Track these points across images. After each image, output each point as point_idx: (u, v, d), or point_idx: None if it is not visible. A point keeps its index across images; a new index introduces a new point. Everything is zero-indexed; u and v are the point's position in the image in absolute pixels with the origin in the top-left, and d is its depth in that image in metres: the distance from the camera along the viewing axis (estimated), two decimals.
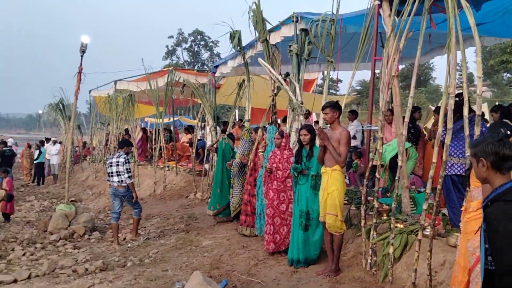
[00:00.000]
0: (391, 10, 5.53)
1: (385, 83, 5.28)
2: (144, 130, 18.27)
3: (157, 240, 8.48)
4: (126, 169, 8.27)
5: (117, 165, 8.31)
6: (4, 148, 15.78)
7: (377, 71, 6.60)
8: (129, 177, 8.30)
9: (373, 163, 5.56)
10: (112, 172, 8.37)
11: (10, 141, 18.06)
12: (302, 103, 7.41)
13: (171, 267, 6.48)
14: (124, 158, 8.34)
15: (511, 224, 2.29)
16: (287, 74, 8.09)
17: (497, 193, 2.44)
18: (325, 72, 12.18)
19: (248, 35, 8.86)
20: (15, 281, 6.36)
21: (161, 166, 13.69)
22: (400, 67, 5.85)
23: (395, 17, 5.41)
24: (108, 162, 8.66)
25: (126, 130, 17.46)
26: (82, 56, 10.10)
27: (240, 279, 5.72)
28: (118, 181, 8.31)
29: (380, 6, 5.81)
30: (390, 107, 6.96)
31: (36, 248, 8.38)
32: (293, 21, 7.59)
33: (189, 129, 17.36)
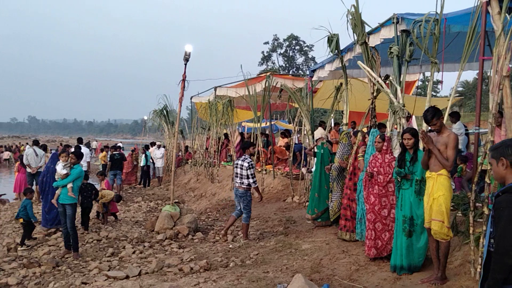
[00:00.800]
0: (500, 7, 5.24)
1: (496, 83, 5.01)
2: (241, 134, 18.71)
3: (256, 242, 8.65)
4: (251, 174, 8.67)
5: (241, 168, 8.74)
6: (114, 152, 16.87)
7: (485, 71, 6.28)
8: (254, 182, 8.69)
9: (482, 168, 5.29)
10: (236, 173, 8.89)
11: (120, 145, 19.46)
12: (404, 106, 7.22)
13: (272, 269, 6.59)
14: (248, 162, 8.72)
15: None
16: (387, 77, 7.92)
17: (508, 186, 2.82)
18: (426, 74, 11.80)
19: (345, 39, 8.82)
20: (127, 277, 6.79)
21: (259, 170, 13.94)
22: None
23: (506, 14, 5.12)
24: (235, 163, 9.11)
25: (226, 135, 17.99)
26: (185, 64, 10.57)
27: (342, 283, 5.69)
28: (239, 183, 8.78)
29: (488, 3, 5.52)
30: (500, 109, 6.58)
31: (144, 246, 8.88)
32: (393, 22, 7.42)
33: (286, 133, 17.53)
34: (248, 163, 8.68)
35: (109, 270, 7.27)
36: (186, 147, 24.14)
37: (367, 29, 8.21)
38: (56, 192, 8.36)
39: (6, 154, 36.49)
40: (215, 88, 17.49)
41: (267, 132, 17.76)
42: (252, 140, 14.81)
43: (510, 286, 2.69)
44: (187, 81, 10.79)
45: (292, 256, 7.20)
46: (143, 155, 19.96)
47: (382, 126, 9.03)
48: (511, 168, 2.85)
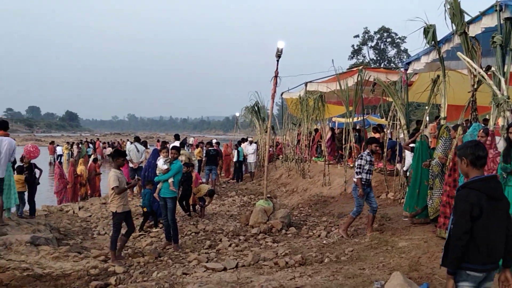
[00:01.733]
0: None
1: None
2: (332, 130, 18.57)
3: (351, 238, 8.59)
4: (357, 165, 8.59)
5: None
6: (209, 148, 17.45)
7: None
8: (356, 172, 8.58)
9: None
10: None
11: (214, 141, 20.05)
12: (508, 98, 6.83)
13: (368, 266, 6.52)
14: (362, 155, 8.68)
15: (465, 204, 3.33)
16: (488, 67, 7.52)
17: (467, 182, 3.46)
18: None
19: (442, 29, 8.48)
20: (224, 269, 7.03)
21: (351, 165, 13.78)
22: None
23: None
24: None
25: (316, 130, 17.95)
26: (278, 60, 10.70)
27: (442, 283, 5.51)
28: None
29: None
30: None
31: (240, 240, 9.13)
32: (496, 10, 7.03)
33: (378, 128, 17.14)
34: (362, 155, 8.64)
35: (207, 262, 7.56)
36: (277, 142, 24.39)
37: (467, 18, 7.84)
38: (158, 186, 8.82)
39: (109, 150, 38.90)
40: (306, 84, 17.49)
41: (358, 127, 17.48)
42: (343, 136, 14.64)
43: (466, 264, 3.36)
44: (279, 77, 10.91)
45: (388, 253, 7.08)
46: (236, 150, 20.43)
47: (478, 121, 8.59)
48: (471, 166, 3.47)
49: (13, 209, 10.01)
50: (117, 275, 7.40)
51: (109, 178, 7.86)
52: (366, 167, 8.57)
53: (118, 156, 7.96)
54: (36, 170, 11.04)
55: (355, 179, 8.58)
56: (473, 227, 3.32)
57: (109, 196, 7.98)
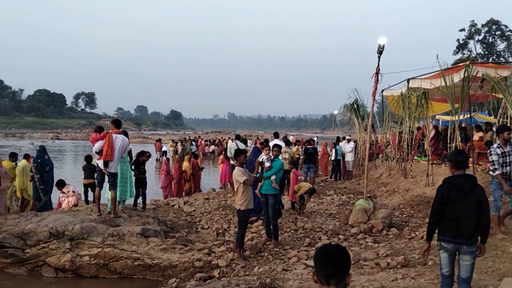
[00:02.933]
0: None
1: None
2: (436, 128, 17.82)
3: None
4: (491, 162, 7.92)
5: None
6: (308, 146, 17.48)
7: None
8: (492, 170, 7.88)
9: None
10: None
11: (315, 139, 20.10)
12: None
13: (476, 271, 6.21)
14: (491, 150, 7.91)
15: (438, 193, 4.85)
16: None
17: (445, 178, 4.93)
18: None
19: None
20: None
21: None
22: None
23: None
24: None
25: (418, 128, 17.32)
26: (379, 57, 10.48)
27: None
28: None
29: None
30: None
31: (339, 239, 9.09)
32: None
33: (482, 127, 16.24)
34: (490, 152, 7.88)
35: (307, 259, 7.62)
36: (376, 141, 23.85)
37: None
38: (259, 183, 9.00)
39: (211, 148, 40.24)
40: (408, 80, 16.91)
41: (463, 125, 16.61)
42: (448, 134, 13.97)
43: (441, 236, 4.86)
44: (380, 74, 10.68)
45: (498, 258, 6.70)
46: (334, 149, 20.26)
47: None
48: (453, 168, 4.92)
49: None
50: (220, 268, 7.69)
51: (234, 176, 7.99)
52: (500, 160, 7.76)
53: (240, 154, 8.15)
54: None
55: (494, 174, 7.84)
56: (445, 210, 4.80)
57: (236, 194, 8.10)
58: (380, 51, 10.41)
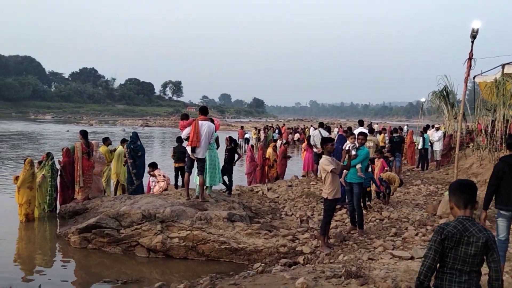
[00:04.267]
0: None
1: None
2: None
3: None
4: None
5: None
6: (393, 135, 17.06)
7: None
8: None
9: None
10: None
11: (405, 129, 19.45)
12: None
13: None
14: None
15: (495, 169, 5.99)
16: None
17: (502, 157, 6.11)
18: None
19: None
20: (411, 258, 6.89)
21: None
22: None
23: None
24: None
25: None
26: (472, 42, 9.98)
27: None
28: None
29: None
30: None
31: (427, 229, 8.81)
32: None
33: None
34: None
35: (393, 250, 7.47)
36: (468, 129, 22.75)
37: None
38: (344, 171, 8.92)
39: (296, 136, 40.32)
40: (503, 66, 15.96)
41: None
42: None
43: (497, 205, 5.92)
44: (473, 59, 10.17)
45: None
46: (421, 137, 19.59)
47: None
48: (507, 149, 6.06)
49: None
50: (304, 255, 7.75)
51: (322, 164, 7.86)
52: None
53: (327, 142, 8.06)
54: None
55: None
56: (500, 183, 5.79)
57: (323, 183, 8.02)
58: (474, 35, 9.90)
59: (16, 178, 10.91)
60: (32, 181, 10.89)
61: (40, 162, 11.82)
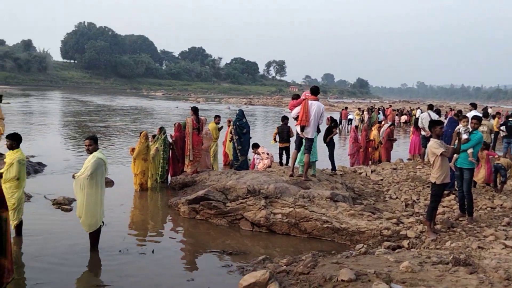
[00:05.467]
0: None
1: None
2: None
3: None
4: None
5: None
6: (509, 119, 15.98)
7: None
8: None
9: None
10: None
11: None
12: None
13: None
14: None
15: None
16: None
17: None
18: None
19: None
20: None
21: None
22: None
23: None
24: None
25: None
26: None
27: None
28: None
29: None
30: None
31: None
32: None
33: None
34: None
35: (505, 240, 7.09)
36: None
37: None
38: (454, 155, 8.55)
39: (404, 118, 39.06)
40: None
41: None
42: None
43: None
44: None
45: None
46: None
47: None
48: None
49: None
50: (409, 239, 7.60)
51: (430, 148, 7.62)
52: None
53: (436, 125, 7.78)
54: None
55: None
56: None
57: (432, 167, 7.79)
58: None
59: (132, 150, 11.69)
60: (147, 153, 11.61)
61: (154, 136, 12.56)
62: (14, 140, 7.48)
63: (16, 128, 20.17)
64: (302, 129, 9.80)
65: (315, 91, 10.14)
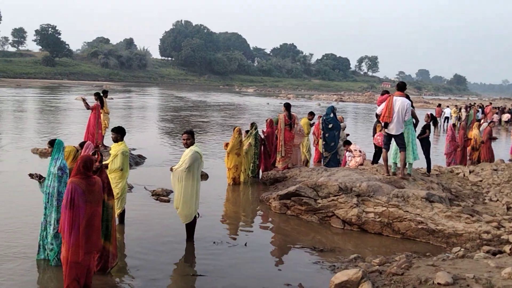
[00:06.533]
0: None
1: None
2: None
3: None
4: None
5: None
6: None
7: None
8: None
9: None
10: None
11: None
12: None
13: None
14: None
15: None
16: None
17: None
18: None
19: None
20: None
21: None
22: None
23: None
24: None
25: None
26: None
27: None
28: None
29: None
30: None
31: None
32: None
33: None
34: None
35: None
36: None
37: None
38: None
39: (506, 116, 36.79)
40: None
41: None
42: None
43: None
44: None
45: None
46: None
47: None
48: None
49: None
50: (510, 244, 7.19)
51: None
52: None
53: None
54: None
55: None
56: None
57: None
58: None
59: (226, 144, 12.02)
60: (240, 148, 11.89)
61: (247, 131, 12.83)
62: (119, 133, 7.98)
63: (119, 122, 21.45)
64: (386, 125, 9.58)
65: (401, 86, 9.87)
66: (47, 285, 5.96)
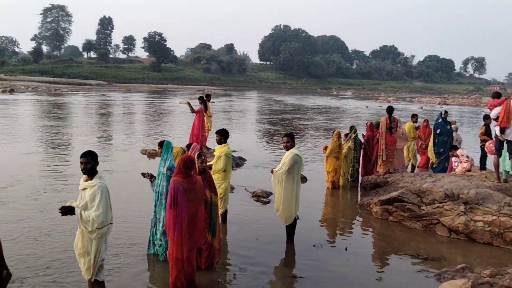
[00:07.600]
0: None
1: None
2: None
3: None
4: None
5: None
6: None
7: None
8: None
9: None
10: None
11: None
12: None
13: None
14: None
15: None
16: None
17: None
18: None
19: None
20: None
21: None
22: None
23: None
24: None
25: None
26: None
27: None
28: None
29: None
30: None
31: None
32: None
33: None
34: None
35: None
36: None
37: None
38: None
39: None
40: None
41: None
42: None
43: None
44: None
45: None
46: None
47: None
48: None
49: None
50: None
51: None
52: None
53: None
54: None
55: None
56: None
57: None
58: None
59: (325, 147, 11.96)
60: (339, 152, 11.78)
61: (346, 135, 12.69)
62: (223, 136, 8.24)
63: (221, 124, 22.13)
64: (502, 130, 8.97)
65: (497, 95, 9.29)
66: (154, 278, 6.29)
